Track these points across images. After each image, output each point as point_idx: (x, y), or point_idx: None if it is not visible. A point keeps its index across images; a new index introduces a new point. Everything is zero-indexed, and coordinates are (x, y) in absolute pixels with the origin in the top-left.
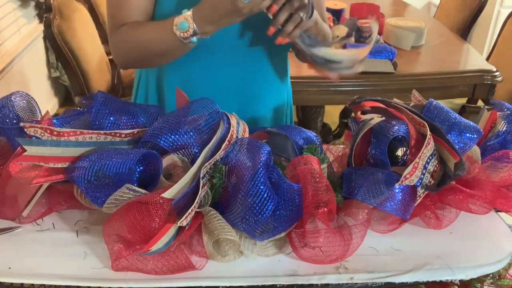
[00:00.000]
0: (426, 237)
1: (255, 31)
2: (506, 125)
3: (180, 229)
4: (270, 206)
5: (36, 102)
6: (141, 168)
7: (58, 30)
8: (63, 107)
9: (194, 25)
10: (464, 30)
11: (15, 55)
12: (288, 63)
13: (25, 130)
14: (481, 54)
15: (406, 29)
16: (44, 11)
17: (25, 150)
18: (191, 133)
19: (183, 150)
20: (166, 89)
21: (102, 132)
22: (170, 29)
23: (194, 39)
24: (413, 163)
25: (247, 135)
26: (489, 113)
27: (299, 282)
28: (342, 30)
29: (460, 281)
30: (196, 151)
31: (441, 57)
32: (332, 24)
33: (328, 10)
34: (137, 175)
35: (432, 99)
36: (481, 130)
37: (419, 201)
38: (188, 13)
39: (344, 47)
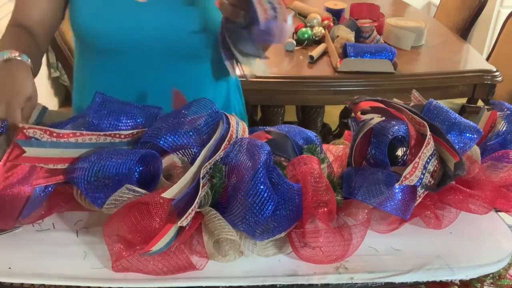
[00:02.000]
0: (426, 237)
1: (168, 30)
2: (506, 125)
3: (181, 229)
4: (270, 206)
5: None
6: (141, 168)
7: (58, 30)
8: (63, 107)
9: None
10: (464, 30)
11: None
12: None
13: (24, 131)
14: (481, 54)
15: (406, 29)
16: None
17: (23, 152)
18: (191, 133)
19: (183, 150)
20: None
21: (101, 133)
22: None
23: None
24: (413, 163)
25: (246, 135)
26: (489, 113)
27: (299, 282)
28: (342, 30)
29: (460, 281)
30: (196, 151)
31: (441, 57)
32: (332, 24)
33: (328, 10)
34: (137, 176)
35: (432, 99)
36: (481, 130)
37: (419, 201)
38: None
39: (344, 47)
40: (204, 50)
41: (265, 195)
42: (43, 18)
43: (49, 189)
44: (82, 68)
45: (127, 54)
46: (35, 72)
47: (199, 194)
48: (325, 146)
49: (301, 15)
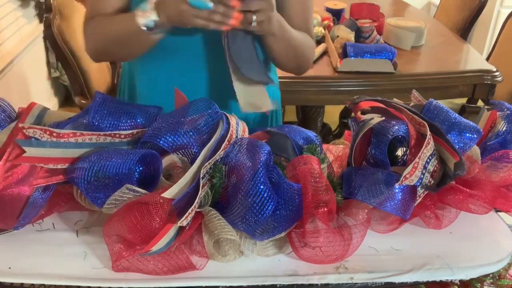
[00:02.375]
0: (426, 237)
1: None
2: (506, 125)
3: (181, 229)
4: (270, 206)
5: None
6: (141, 168)
7: (58, 30)
8: (63, 107)
9: (153, 10)
10: (464, 30)
11: (15, 55)
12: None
13: (24, 131)
14: (481, 54)
15: (406, 29)
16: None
17: (23, 152)
18: (191, 133)
19: (183, 150)
20: (138, 94)
21: (101, 133)
22: (133, 17)
23: (152, 23)
24: (413, 163)
25: (246, 135)
26: (489, 113)
27: (299, 282)
28: (342, 30)
29: (460, 281)
30: (196, 151)
31: (441, 57)
32: (332, 24)
33: (328, 10)
34: (137, 176)
35: (432, 99)
36: (481, 130)
37: (419, 201)
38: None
39: (344, 47)
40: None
41: (265, 195)
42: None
43: (49, 192)
44: (139, 71)
45: (177, 51)
46: None
47: (199, 194)
48: (325, 146)
49: None
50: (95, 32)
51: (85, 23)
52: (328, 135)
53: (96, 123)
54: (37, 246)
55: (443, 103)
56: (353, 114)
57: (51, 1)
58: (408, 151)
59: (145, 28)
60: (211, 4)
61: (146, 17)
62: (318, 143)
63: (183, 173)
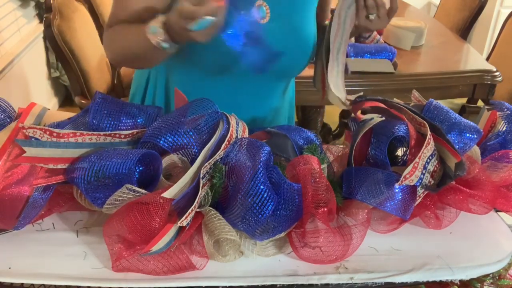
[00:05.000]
0: (426, 237)
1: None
2: (506, 125)
3: (181, 229)
4: (270, 206)
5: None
6: (141, 168)
7: (58, 30)
8: (63, 107)
9: (163, 31)
10: (464, 30)
11: (15, 55)
12: None
13: (24, 131)
14: (481, 54)
15: (406, 29)
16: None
17: (23, 152)
18: (191, 133)
19: (183, 150)
20: (172, 98)
21: (101, 133)
22: (144, 32)
23: (165, 45)
24: (413, 163)
25: (246, 135)
26: (489, 113)
27: (299, 282)
28: None
29: (460, 281)
30: (196, 151)
31: (441, 57)
32: None
33: None
34: (137, 176)
35: (432, 99)
36: (481, 130)
37: (419, 201)
38: (160, 19)
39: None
40: (302, 68)
41: (265, 195)
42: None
43: (49, 192)
44: (179, 82)
45: (236, 73)
46: None
47: (199, 194)
48: (325, 146)
49: None
50: (112, 43)
51: (105, 31)
52: (328, 135)
53: (96, 123)
54: (37, 246)
55: (443, 103)
56: (353, 114)
57: (51, 1)
58: (408, 151)
59: (158, 46)
60: (212, 18)
61: (156, 38)
62: (318, 143)
63: (183, 173)
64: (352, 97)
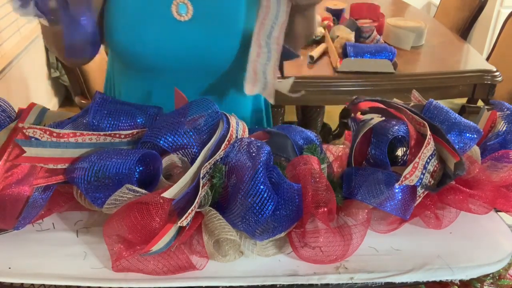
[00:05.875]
0: (426, 237)
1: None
2: (506, 125)
3: (181, 229)
4: (270, 206)
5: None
6: (141, 168)
7: None
8: (63, 107)
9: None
10: (464, 30)
11: (15, 55)
12: None
13: (24, 131)
14: (481, 54)
15: (406, 29)
16: None
17: (23, 152)
18: (191, 133)
19: (183, 150)
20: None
21: (101, 133)
22: None
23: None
24: (413, 163)
25: (246, 135)
26: (489, 113)
27: (299, 282)
28: (342, 30)
29: (460, 281)
30: (196, 151)
31: (441, 57)
32: (332, 24)
33: (328, 10)
34: (137, 175)
35: (432, 99)
36: (481, 130)
37: (419, 201)
38: None
39: (344, 47)
40: (237, 65)
41: (265, 195)
42: None
43: (49, 192)
44: (119, 83)
45: (165, 72)
46: None
47: (199, 194)
48: (325, 146)
49: None
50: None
51: None
52: (328, 135)
53: (96, 123)
54: (37, 246)
55: (443, 103)
56: (353, 114)
57: None
58: (408, 151)
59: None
60: None
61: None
62: (318, 143)
63: (183, 173)
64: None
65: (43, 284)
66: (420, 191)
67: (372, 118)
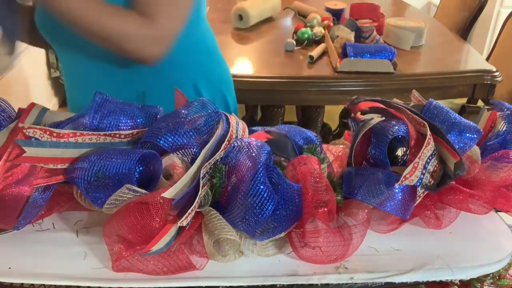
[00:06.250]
0: (426, 237)
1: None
2: (506, 125)
3: (181, 229)
4: (270, 206)
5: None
6: (141, 168)
7: None
8: (63, 107)
9: None
10: (464, 30)
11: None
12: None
13: (24, 131)
14: (481, 54)
15: (406, 29)
16: None
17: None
18: (191, 133)
19: (183, 150)
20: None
21: (101, 133)
22: None
23: None
24: (413, 163)
25: (246, 135)
26: (489, 113)
27: (299, 282)
28: (342, 30)
29: (460, 281)
30: (196, 151)
31: (441, 57)
32: (332, 24)
33: (328, 10)
34: (137, 175)
35: (432, 99)
36: (481, 130)
37: (419, 201)
38: None
39: (344, 47)
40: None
41: (265, 195)
42: None
43: (49, 192)
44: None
45: (61, 51)
46: None
47: (199, 194)
48: (325, 146)
49: (301, 15)
50: None
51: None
52: (328, 135)
53: (96, 123)
54: (37, 246)
55: (443, 103)
56: (353, 114)
57: None
58: (408, 151)
59: None
60: None
61: None
62: (318, 143)
63: (183, 173)
64: None
65: (43, 284)
66: (420, 191)
67: (372, 118)
